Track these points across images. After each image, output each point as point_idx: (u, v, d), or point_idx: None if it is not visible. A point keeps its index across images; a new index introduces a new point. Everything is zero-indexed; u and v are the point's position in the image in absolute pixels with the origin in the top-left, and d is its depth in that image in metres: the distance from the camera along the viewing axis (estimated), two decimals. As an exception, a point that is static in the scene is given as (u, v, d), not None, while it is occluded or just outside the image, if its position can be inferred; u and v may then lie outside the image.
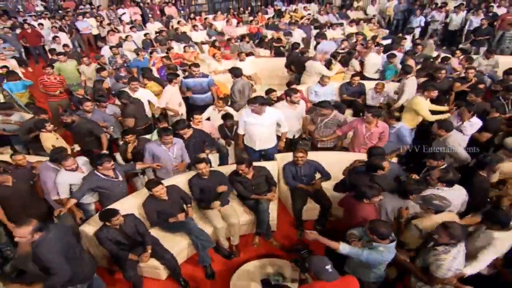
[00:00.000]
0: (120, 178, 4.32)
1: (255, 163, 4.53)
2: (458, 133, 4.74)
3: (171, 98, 6.30)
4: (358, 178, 3.93)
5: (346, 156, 4.94)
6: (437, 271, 2.92)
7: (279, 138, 5.30)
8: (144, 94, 6.25)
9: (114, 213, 3.58)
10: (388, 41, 9.38)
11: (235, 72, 6.56)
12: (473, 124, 4.81)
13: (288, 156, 4.77)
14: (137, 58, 8.22)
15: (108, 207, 4.02)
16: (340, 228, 3.74)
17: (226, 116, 5.57)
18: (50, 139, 4.95)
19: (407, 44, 8.84)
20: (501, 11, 11.16)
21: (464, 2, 12.82)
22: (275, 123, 5.02)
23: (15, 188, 4.01)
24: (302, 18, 12.82)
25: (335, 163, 4.70)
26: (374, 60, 7.72)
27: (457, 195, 3.66)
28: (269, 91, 6.04)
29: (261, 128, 4.95)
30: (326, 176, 4.60)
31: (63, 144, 5.02)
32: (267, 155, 5.23)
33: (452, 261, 2.88)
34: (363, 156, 4.51)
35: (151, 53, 8.75)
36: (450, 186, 3.61)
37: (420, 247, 3.35)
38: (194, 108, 6.33)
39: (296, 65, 7.86)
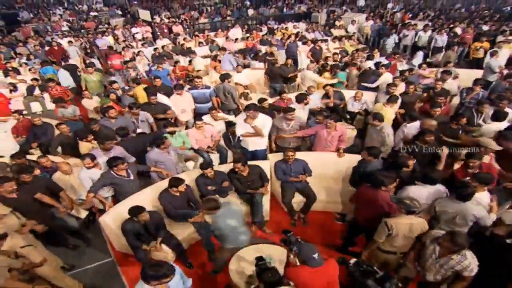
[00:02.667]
0: (132, 177, 4.35)
1: (250, 162, 4.56)
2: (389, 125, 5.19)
3: (174, 105, 6.34)
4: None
5: (321, 156, 5.04)
6: (471, 272, 2.75)
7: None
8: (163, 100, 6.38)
9: (140, 210, 3.59)
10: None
11: (220, 77, 6.76)
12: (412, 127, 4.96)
13: (279, 156, 4.82)
14: (156, 69, 8.22)
15: (128, 199, 4.10)
16: (360, 219, 3.78)
17: (229, 124, 5.53)
18: (87, 147, 5.01)
19: (419, 58, 9.30)
20: (459, 31, 11.47)
21: (430, 23, 12.97)
22: (266, 128, 4.98)
23: (20, 199, 3.81)
24: (291, 35, 12.91)
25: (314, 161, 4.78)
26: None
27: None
28: (261, 100, 6.08)
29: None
30: (309, 173, 4.65)
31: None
32: (256, 156, 5.14)
33: (473, 257, 2.75)
34: (333, 155, 4.85)
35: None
36: (432, 184, 3.55)
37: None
38: (198, 116, 6.29)
39: (271, 75, 7.77)
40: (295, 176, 4.59)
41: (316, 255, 2.64)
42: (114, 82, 7.23)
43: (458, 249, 2.72)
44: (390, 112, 5.72)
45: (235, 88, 6.99)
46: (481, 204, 3.35)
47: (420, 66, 7.82)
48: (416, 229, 3.11)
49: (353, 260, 2.71)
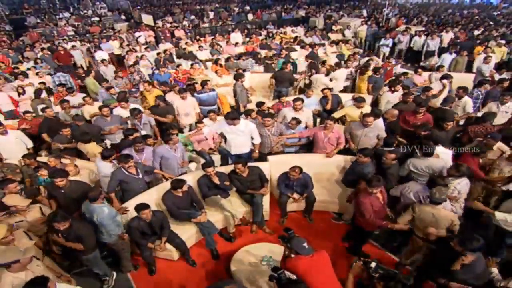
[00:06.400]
0: (140, 176, 4.36)
1: (249, 164, 4.55)
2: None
3: (178, 108, 6.33)
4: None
5: (318, 157, 5.02)
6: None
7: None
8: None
9: (145, 206, 3.64)
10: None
11: (234, 76, 7.02)
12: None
13: (278, 158, 4.82)
14: (158, 73, 8.24)
15: (133, 199, 4.14)
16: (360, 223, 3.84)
17: None
18: (93, 147, 5.06)
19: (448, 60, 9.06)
20: (449, 35, 11.53)
21: (423, 28, 13.00)
22: (248, 133, 4.95)
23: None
24: (290, 39, 12.95)
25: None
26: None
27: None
28: (259, 104, 6.09)
29: (235, 136, 4.95)
30: (310, 190, 4.59)
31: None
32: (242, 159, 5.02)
33: (458, 183, 3.67)
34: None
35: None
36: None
37: None
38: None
39: (279, 79, 7.76)
40: (297, 189, 4.60)
41: (305, 244, 2.78)
42: (111, 87, 7.23)
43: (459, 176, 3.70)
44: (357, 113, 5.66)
45: (241, 88, 7.11)
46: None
47: (416, 70, 7.83)
48: (442, 220, 3.32)
49: (373, 264, 2.74)
